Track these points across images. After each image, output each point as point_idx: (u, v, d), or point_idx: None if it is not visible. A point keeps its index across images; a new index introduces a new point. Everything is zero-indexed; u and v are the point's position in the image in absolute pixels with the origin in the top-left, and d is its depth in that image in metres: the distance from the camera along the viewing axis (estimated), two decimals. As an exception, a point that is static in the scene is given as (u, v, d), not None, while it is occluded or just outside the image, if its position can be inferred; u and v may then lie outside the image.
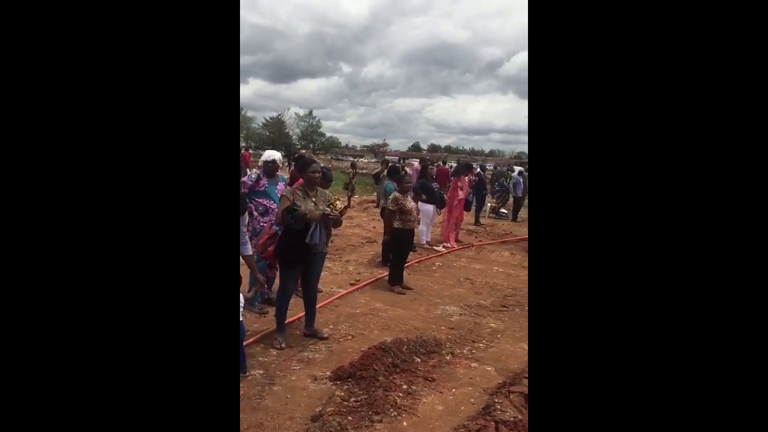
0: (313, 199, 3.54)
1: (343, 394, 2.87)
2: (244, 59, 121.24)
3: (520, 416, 2.66)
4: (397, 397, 2.85)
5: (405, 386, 3.02)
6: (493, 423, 2.60)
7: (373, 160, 17.78)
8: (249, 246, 3.42)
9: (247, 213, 3.79)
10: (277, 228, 3.49)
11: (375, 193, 12.99)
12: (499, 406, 2.78)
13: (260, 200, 4.24)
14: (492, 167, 13.76)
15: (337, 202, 4.00)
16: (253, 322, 3.96)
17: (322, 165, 3.99)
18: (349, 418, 2.61)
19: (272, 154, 4.51)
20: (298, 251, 3.40)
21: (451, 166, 14.13)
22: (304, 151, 42.81)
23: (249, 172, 4.54)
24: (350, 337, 3.79)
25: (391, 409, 2.72)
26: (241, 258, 3.47)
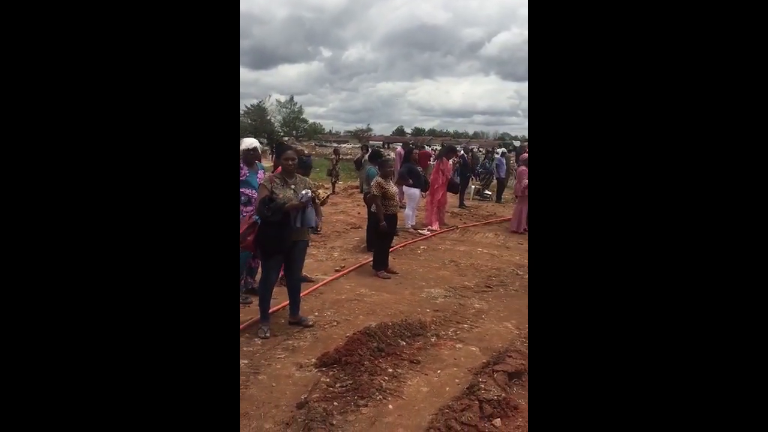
0: (293, 186, 3.50)
1: (328, 380, 2.88)
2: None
3: (503, 394, 2.70)
4: (382, 381, 2.87)
5: (390, 370, 3.04)
6: (477, 402, 2.64)
7: (357, 146, 17.65)
8: None
9: None
10: (257, 218, 3.45)
11: (359, 179, 12.96)
12: (483, 385, 2.81)
13: (242, 190, 4.16)
14: (471, 150, 13.74)
15: (320, 191, 3.96)
16: (238, 312, 3.95)
17: (306, 152, 3.94)
18: (335, 403, 2.62)
19: (252, 142, 4.41)
20: (277, 242, 3.37)
21: (435, 149, 14.11)
22: (287, 138, 42.37)
23: None
24: (335, 324, 3.79)
25: (377, 393, 2.74)
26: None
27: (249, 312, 3.91)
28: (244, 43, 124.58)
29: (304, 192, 3.39)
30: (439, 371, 3.07)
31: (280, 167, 3.76)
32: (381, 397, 2.72)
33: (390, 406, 2.63)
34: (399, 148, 12.05)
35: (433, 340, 3.56)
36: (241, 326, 3.60)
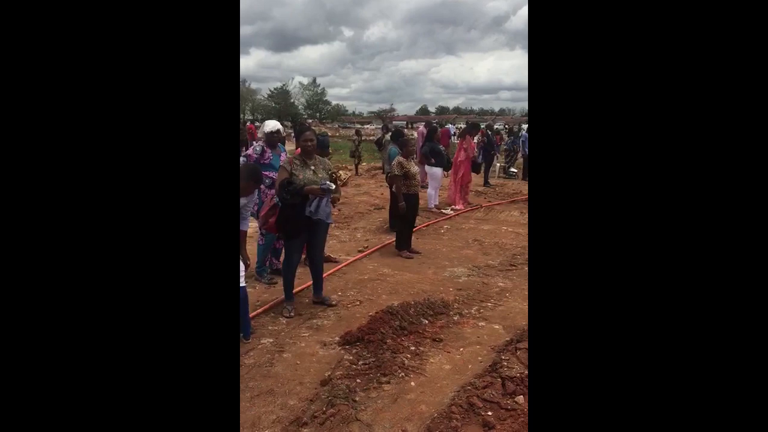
0: (312, 167, 3.51)
1: (351, 357, 2.92)
2: (244, 29, 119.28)
3: (526, 371, 2.69)
4: (404, 359, 2.90)
5: (413, 348, 3.06)
6: (499, 379, 2.64)
7: (380, 126, 17.54)
8: (247, 222, 3.44)
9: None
10: (278, 200, 3.48)
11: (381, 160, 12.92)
12: (506, 363, 2.81)
13: (266, 173, 4.19)
14: (495, 127, 13.45)
15: (341, 172, 3.96)
16: (263, 292, 4.02)
17: (327, 132, 3.93)
18: (358, 380, 2.66)
19: (275, 125, 4.44)
20: (298, 224, 3.40)
21: (459, 128, 13.88)
22: (310, 121, 42.49)
23: (254, 145, 4.48)
24: (358, 303, 3.83)
25: (399, 371, 2.77)
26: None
27: (274, 292, 3.99)
28: (265, 26, 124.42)
29: (326, 183, 3.35)
30: (461, 349, 3.08)
31: (299, 148, 3.78)
32: (403, 374, 2.74)
33: (412, 383, 2.66)
34: (421, 127, 11.89)
35: (455, 318, 3.56)
36: (266, 306, 3.67)
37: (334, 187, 3.41)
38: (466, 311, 3.69)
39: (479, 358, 2.96)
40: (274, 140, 4.32)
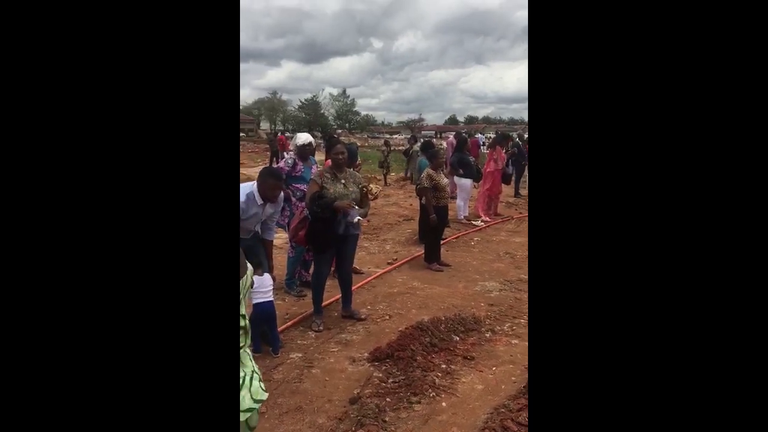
0: (343, 181, 3.49)
1: (381, 375, 2.87)
2: (275, 43, 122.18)
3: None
4: (435, 377, 2.82)
5: (444, 366, 2.98)
6: (534, 402, 2.53)
7: (409, 136, 17.55)
8: (273, 232, 3.47)
9: (284, 199, 3.80)
10: (308, 213, 3.48)
11: (408, 170, 12.90)
12: (541, 385, 2.69)
13: (298, 185, 4.21)
14: (525, 138, 13.24)
15: (372, 185, 3.94)
16: (292, 305, 4.02)
17: (356, 142, 3.95)
18: (387, 399, 2.60)
19: (307, 137, 4.47)
20: (327, 238, 3.38)
21: (489, 137, 13.74)
22: (339, 131, 42.97)
23: (286, 157, 4.52)
24: (388, 317, 3.77)
25: (430, 390, 2.69)
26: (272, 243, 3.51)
27: (303, 305, 3.98)
28: (296, 39, 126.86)
29: (357, 218, 3.39)
30: (494, 368, 2.98)
31: (329, 161, 3.77)
32: (434, 393, 2.67)
33: (443, 404, 2.58)
34: (451, 137, 11.79)
35: (487, 335, 3.46)
36: (295, 319, 3.66)
37: (361, 220, 3.44)
38: (499, 328, 3.59)
39: (513, 378, 2.85)
40: (306, 153, 4.34)
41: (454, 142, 9.27)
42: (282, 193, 3.35)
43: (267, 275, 3.11)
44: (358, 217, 3.39)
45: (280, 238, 5.07)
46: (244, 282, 1.36)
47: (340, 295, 3.82)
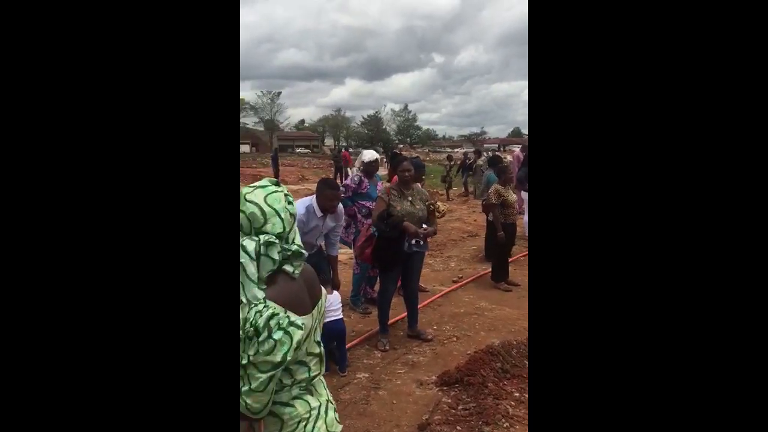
0: (410, 198, 3.44)
1: (450, 401, 2.75)
2: (339, 61, 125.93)
3: None
4: (509, 406, 2.67)
5: (517, 394, 2.81)
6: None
7: (471, 150, 17.29)
8: (337, 247, 3.46)
9: (346, 216, 3.81)
10: (374, 230, 3.45)
11: (470, 185, 12.67)
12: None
13: (363, 203, 4.21)
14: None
15: (439, 204, 3.87)
16: (357, 322, 3.99)
17: (418, 156, 3.92)
18: (458, 427, 2.48)
19: (373, 155, 4.49)
20: (394, 256, 3.34)
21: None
22: (401, 146, 43.31)
23: (351, 173, 4.57)
24: (455, 339, 3.65)
25: (503, 419, 2.54)
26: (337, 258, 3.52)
27: (368, 322, 3.94)
28: (360, 57, 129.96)
29: (423, 243, 3.38)
30: (572, 400, 2.77)
31: (395, 177, 3.75)
32: (507, 424, 2.51)
33: (518, 436, 2.42)
34: (517, 151, 11.41)
35: (563, 362, 3.24)
36: (361, 337, 3.63)
37: (425, 244, 3.41)
38: (575, 355, 3.35)
39: (594, 412, 2.63)
40: (371, 170, 4.35)
41: (521, 156, 8.96)
42: (341, 206, 3.34)
43: (335, 293, 3.10)
44: (424, 241, 3.35)
45: (345, 253, 5.09)
46: (319, 306, 1.32)
47: (406, 313, 3.75)
